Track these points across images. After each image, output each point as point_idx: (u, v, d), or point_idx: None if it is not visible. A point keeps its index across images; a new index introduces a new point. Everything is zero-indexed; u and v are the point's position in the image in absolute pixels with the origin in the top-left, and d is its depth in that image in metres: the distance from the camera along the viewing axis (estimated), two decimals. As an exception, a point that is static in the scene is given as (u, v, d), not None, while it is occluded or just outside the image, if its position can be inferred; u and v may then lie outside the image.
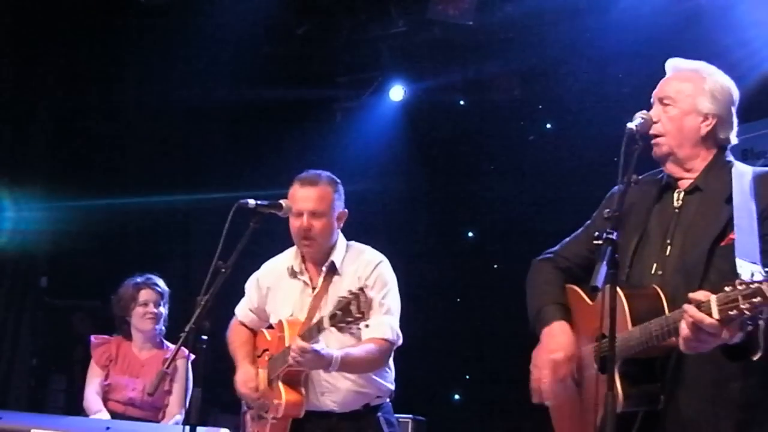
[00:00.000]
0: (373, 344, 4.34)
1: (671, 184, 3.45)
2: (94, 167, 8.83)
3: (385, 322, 4.37)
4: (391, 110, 9.12)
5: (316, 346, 4.10)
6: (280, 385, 4.35)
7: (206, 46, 8.15)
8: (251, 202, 4.18)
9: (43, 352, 9.07)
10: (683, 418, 3.20)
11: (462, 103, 9.02)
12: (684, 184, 3.42)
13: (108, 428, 4.89)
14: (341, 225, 4.57)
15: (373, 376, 4.47)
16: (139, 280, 5.82)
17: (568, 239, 3.78)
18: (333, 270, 4.49)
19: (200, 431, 4.14)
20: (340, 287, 4.32)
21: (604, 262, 2.87)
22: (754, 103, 7.41)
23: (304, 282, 4.55)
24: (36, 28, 8.40)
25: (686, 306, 2.89)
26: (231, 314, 4.91)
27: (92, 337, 5.89)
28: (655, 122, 3.40)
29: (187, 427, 3.90)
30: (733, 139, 3.46)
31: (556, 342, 3.51)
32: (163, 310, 5.80)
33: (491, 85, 8.59)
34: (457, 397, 8.47)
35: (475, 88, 8.70)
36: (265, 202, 4.25)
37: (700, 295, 2.88)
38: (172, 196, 8.66)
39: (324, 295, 4.41)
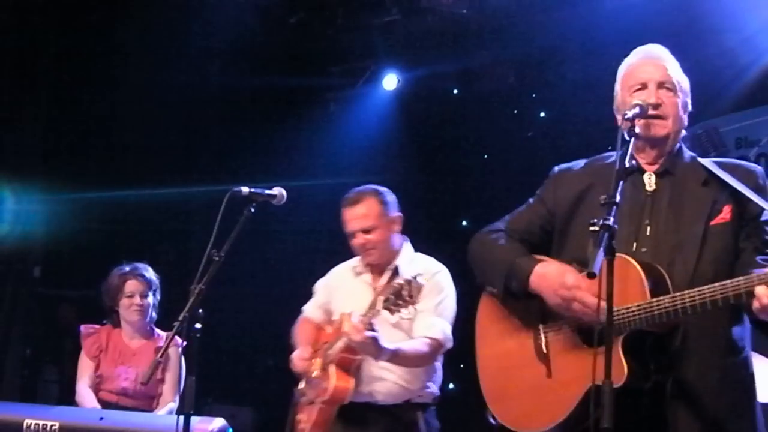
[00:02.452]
0: (423, 341, 4.52)
1: (638, 167, 3.47)
2: (88, 158, 8.82)
3: (437, 324, 4.55)
4: (385, 99, 9.11)
5: (371, 333, 4.24)
6: (332, 370, 4.51)
7: (199, 35, 8.13)
8: (245, 189, 4.18)
9: (36, 342, 9.06)
10: (685, 393, 3.22)
11: (455, 91, 9.01)
12: (652, 167, 3.47)
13: (102, 418, 4.88)
14: (398, 229, 4.81)
15: (419, 377, 4.65)
16: (125, 270, 5.73)
17: (511, 217, 3.74)
18: (395, 274, 4.66)
19: (194, 421, 4.13)
20: None
21: (601, 249, 2.85)
22: (747, 92, 7.44)
23: (366, 282, 4.79)
24: (30, 17, 8.38)
25: None
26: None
27: (82, 327, 5.83)
28: (658, 104, 3.42)
29: (181, 417, 3.88)
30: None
31: (555, 272, 3.36)
32: (152, 299, 5.72)
33: (485, 74, 8.59)
34: (451, 386, 8.47)
35: (468, 76, 8.70)
36: (259, 190, 4.24)
37: None
38: (165, 184, 8.65)
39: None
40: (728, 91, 7.54)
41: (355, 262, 4.91)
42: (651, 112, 3.39)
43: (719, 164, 3.44)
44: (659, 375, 3.20)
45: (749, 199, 3.31)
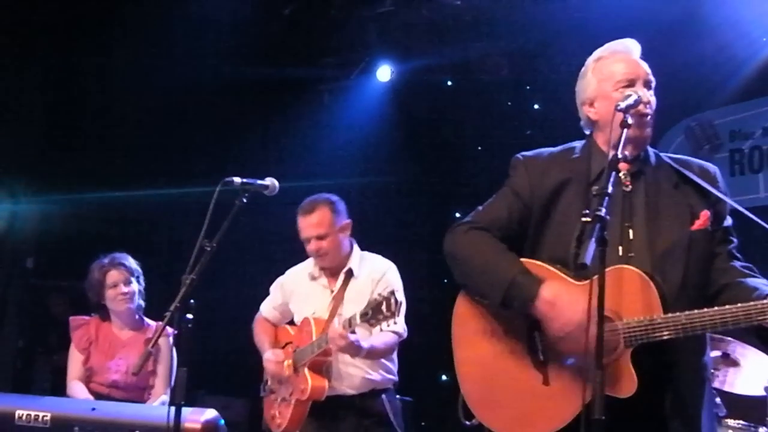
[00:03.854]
0: (387, 336, 4.95)
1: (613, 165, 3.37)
2: (82, 149, 8.80)
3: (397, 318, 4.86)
4: (379, 91, 9.11)
5: (353, 337, 4.66)
6: (306, 372, 4.93)
7: (191, 26, 8.09)
8: (237, 179, 4.18)
9: (29, 333, 9.04)
10: (679, 398, 3.25)
11: (449, 83, 9.01)
12: (624, 166, 3.41)
13: (94, 409, 4.86)
14: (348, 233, 5.19)
15: (381, 368, 5.09)
16: (104, 262, 5.67)
17: (484, 211, 3.60)
18: (349, 275, 5.12)
19: (186, 412, 4.12)
20: (356, 289, 5.05)
21: (593, 240, 2.83)
22: (742, 85, 7.44)
23: (323, 285, 5.20)
24: (23, 13, 8.34)
25: None
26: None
27: (71, 319, 5.79)
28: (647, 102, 3.40)
29: (173, 408, 3.87)
30: None
31: (567, 303, 3.21)
32: (136, 286, 5.66)
33: (479, 66, 8.58)
34: (444, 378, 8.48)
35: (462, 68, 8.69)
36: (251, 180, 4.24)
37: None
38: (157, 176, 8.64)
39: (342, 297, 5.06)
40: (723, 84, 7.55)
41: (309, 266, 5.29)
42: (643, 110, 3.36)
43: (676, 160, 3.46)
44: (655, 382, 3.21)
45: (716, 203, 3.37)
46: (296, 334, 5.21)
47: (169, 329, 4.71)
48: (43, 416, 4.75)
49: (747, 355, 5.39)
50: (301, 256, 5.39)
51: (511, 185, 3.59)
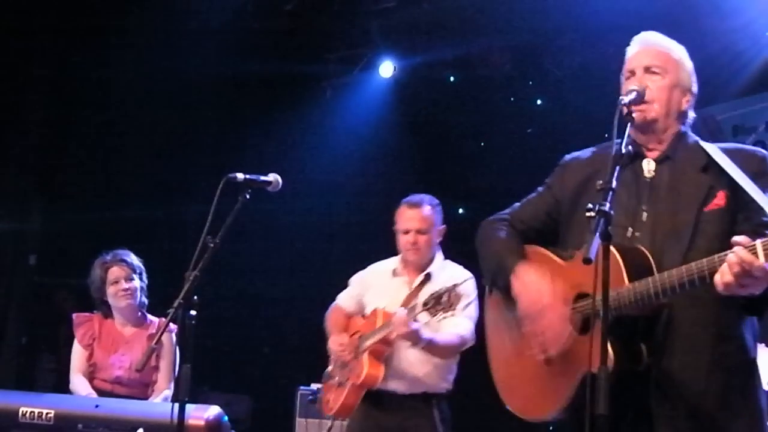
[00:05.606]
0: (452, 336, 5.06)
1: (639, 153, 3.43)
2: (84, 146, 8.81)
3: (463, 323, 5.06)
4: (381, 86, 9.11)
5: (415, 325, 4.83)
6: (365, 357, 5.11)
7: (193, 22, 8.09)
8: (240, 175, 4.15)
9: (32, 330, 9.04)
10: (671, 377, 3.20)
11: (452, 79, 9.00)
12: (653, 154, 3.43)
13: (97, 406, 4.86)
14: (440, 239, 5.37)
15: (437, 372, 5.22)
16: (106, 259, 5.67)
17: (519, 204, 3.76)
18: (428, 278, 5.27)
19: (190, 408, 4.12)
20: (430, 292, 4.97)
21: (597, 234, 2.83)
22: (745, 80, 7.44)
23: (403, 281, 5.35)
24: (22, 24, 8.36)
25: (738, 249, 2.89)
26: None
27: (74, 315, 5.80)
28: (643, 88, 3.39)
29: (177, 404, 3.87)
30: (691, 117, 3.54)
31: (534, 285, 3.38)
32: (138, 282, 5.66)
33: (481, 61, 8.57)
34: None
35: (465, 64, 8.68)
36: (254, 176, 4.22)
37: (743, 239, 2.91)
38: (161, 172, 8.63)
39: (416, 295, 5.13)
40: (726, 79, 7.55)
41: (393, 263, 5.43)
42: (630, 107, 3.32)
43: (723, 149, 3.39)
44: (652, 358, 3.18)
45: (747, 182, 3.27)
46: (364, 324, 5.36)
47: (172, 325, 4.68)
48: (47, 413, 4.75)
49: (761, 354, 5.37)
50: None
51: (548, 181, 3.72)
